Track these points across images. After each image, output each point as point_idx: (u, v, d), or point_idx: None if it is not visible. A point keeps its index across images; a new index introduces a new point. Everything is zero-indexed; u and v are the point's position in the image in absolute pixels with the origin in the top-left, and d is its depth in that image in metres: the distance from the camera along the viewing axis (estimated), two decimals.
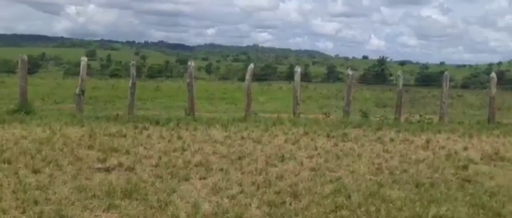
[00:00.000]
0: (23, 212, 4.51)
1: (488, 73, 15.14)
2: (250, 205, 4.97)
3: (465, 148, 8.68)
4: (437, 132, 10.55)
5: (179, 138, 8.57)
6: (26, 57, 11.84)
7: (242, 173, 6.27)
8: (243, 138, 8.89)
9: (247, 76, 12.50)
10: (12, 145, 7.22)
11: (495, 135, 10.50)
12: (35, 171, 5.85)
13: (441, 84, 13.31)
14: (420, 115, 12.65)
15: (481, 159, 7.85)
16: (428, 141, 9.25)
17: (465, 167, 7.07)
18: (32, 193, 5.00)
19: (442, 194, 5.55)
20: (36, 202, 4.74)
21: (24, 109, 10.77)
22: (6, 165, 6.04)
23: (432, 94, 29.82)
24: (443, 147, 8.72)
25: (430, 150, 8.50)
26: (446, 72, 14.35)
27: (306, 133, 9.72)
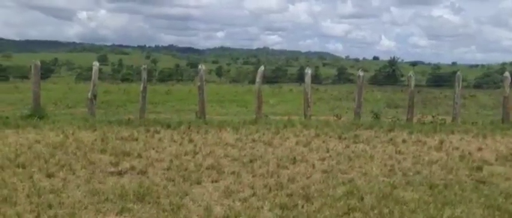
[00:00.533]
0: (37, 216, 4.56)
1: (502, 73, 14.92)
2: (262, 207, 4.96)
3: (479, 149, 8.57)
4: (451, 133, 10.43)
5: (190, 141, 8.60)
6: (38, 63, 11.99)
7: (254, 176, 6.26)
8: (254, 140, 8.89)
9: (258, 79, 12.50)
10: (26, 149, 7.31)
11: (510, 135, 10.34)
12: (49, 175, 5.91)
13: (453, 84, 13.16)
14: (433, 116, 12.52)
15: (496, 159, 7.73)
16: (441, 142, 9.15)
17: (479, 169, 6.97)
18: (46, 197, 5.06)
19: (456, 196, 5.48)
20: (50, 206, 4.79)
21: (37, 114, 10.90)
22: (20, 169, 6.12)
23: (444, 94, 29.53)
24: (456, 148, 8.62)
25: (444, 151, 8.41)
26: (458, 72, 14.18)
27: (317, 135, 9.68)
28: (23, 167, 6.23)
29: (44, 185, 5.48)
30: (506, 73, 13.54)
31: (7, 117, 10.30)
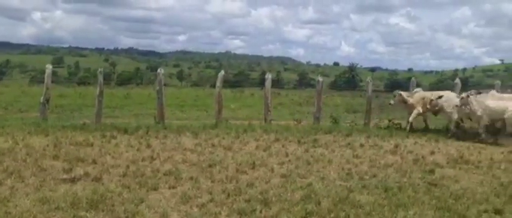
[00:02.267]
0: None
1: (454, 79, 15.60)
2: (220, 213, 4.91)
3: (432, 153, 8.89)
4: (405, 137, 10.77)
5: (148, 146, 8.42)
6: None
7: (212, 181, 6.20)
8: (213, 145, 8.82)
9: (218, 83, 12.44)
10: None
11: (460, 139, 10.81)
12: None
13: (409, 89, 13.59)
14: (389, 121, 12.88)
15: (447, 162, 8.04)
16: (396, 146, 9.43)
17: (432, 171, 7.22)
18: None
19: (409, 198, 5.64)
20: None
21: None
22: None
23: None
24: (411, 152, 8.90)
25: (398, 154, 8.66)
26: (413, 78, 14.69)
27: (277, 140, 9.74)
28: None
29: None
30: (457, 80, 14.18)
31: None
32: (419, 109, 12.03)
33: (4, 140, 8.31)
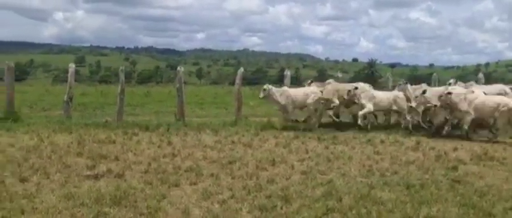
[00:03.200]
0: None
1: (476, 74, 15.29)
2: (241, 209, 4.93)
3: (455, 149, 8.73)
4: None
5: (169, 143, 8.51)
6: (12, 64, 11.70)
7: (233, 178, 6.23)
8: (233, 142, 8.86)
9: (237, 81, 12.47)
10: None
11: (484, 135, 10.58)
12: (22, 180, 5.76)
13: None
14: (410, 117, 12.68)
15: (471, 159, 7.89)
16: (418, 142, 9.30)
17: (455, 168, 7.10)
18: (19, 202, 4.93)
19: (432, 195, 5.56)
20: (22, 211, 4.67)
21: (11, 117, 10.62)
22: None
23: None
24: (433, 148, 8.76)
25: (420, 151, 8.54)
26: (435, 74, 14.46)
27: (296, 137, 9.72)
28: None
29: (16, 190, 5.34)
30: (480, 75, 13.89)
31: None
32: (336, 101, 11.31)
33: (30, 138, 8.51)
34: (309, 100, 11.06)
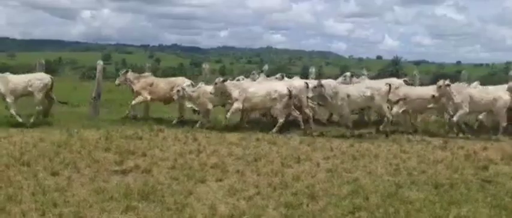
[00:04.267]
0: (43, 215, 4.57)
1: (507, 72, 14.86)
2: (267, 206, 4.95)
3: (484, 148, 8.51)
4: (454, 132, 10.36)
5: (194, 140, 8.58)
6: (43, 61, 12.04)
7: (258, 174, 6.25)
8: (258, 139, 8.87)
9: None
10: (31, 148, 7.32)
11: None
12: (54, 173, 5.93)
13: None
14: (437, 115, 12.44)
15: (501, 159, 7.67)
16: (446, 141, 9.11)
17: (485, 168, 6.93)
18: (51, 195, 5.08)
19: (462, 195, 5.46)
20: (55, 204, 4.80)
21: (42, 112, 10.90)
22: (25, 168, 6.13)
23: None
24: (462, 147, 8.57)
25: (449, 150, 8.36)
26: (464, 71, 14.13)
27: (321, 134, 9.66)
28: (28, 165, 6.24)
29: (48, 183, 5.50)
30: (511, 73, 13.47)
31: (11, 116, 10.31)
32: (147, 96, 10.67)
33: (60, 133, 8.73)
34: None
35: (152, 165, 6.52)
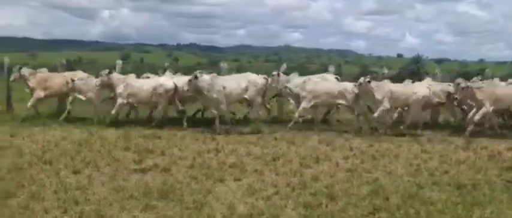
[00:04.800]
0: (65, 212, 4.64)
1: None
2: (285, 206, 4.93)
3: (509, 149, 8.29)
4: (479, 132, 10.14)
5: (213, 139, 8.61)
6: (64, 61, 12.25)
7: (277, 174, 6.23)
8: (276, 138, 8.84)
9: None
10: (53, 146, 7.46)
11: None
12: (75, 172, 6.03)
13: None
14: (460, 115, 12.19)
15: None
16: (469, 141, 8.91)
17: (510, 169, 6.75)
18: (73, 193, 5.15)
19: (485, 197, 5.33)
20: (76, 202, 4.88)
21: (62, 112, 11.09)
22: (48, 166, 6.25)
23: None
24: (485, 147, 8.37)
25: (471, 150, 8.17)
26: (488, 69, 13.81)
27: (339, 134, 9.58)
28: (50, 164, 6.36)
29: (70, 181, 5.59)
30: None
31: (33, 115, 10.53)
32: (41, 94, 10.30)
33: (80, 132, 8.87)
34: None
35: (171, 164, 6.57)
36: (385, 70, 13.23)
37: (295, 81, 10.52)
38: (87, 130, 9.04)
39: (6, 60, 11.69)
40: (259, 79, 10.17)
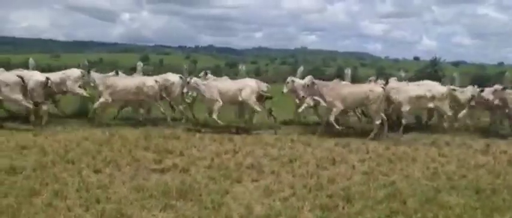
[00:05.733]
0: (87, 210, 4.76)
1: None
2: (302, 208, 4.97)
3: None
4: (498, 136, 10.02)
5: (230, 140, 8.70)
6: (86, 62, 12.51)
7: (293, 176, 6.28)
8: (292, 140, 8.89)
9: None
10: (75, 146, 7.63)
11: None
12: (96, 171, 6.17)
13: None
14: (478, 119, 12.04)
15: None
16: (488, 145, 8.81)
17: None
18: (94, 192, 5.28)
19: (505, 202, 5.28)
20: (98, 201, 5.00)
21: (83, 112, 11.33)
22: (70, 165, 6.41)
23: None
24: (505, 152, 8.27)
25: (491, 154, 8.09)
26: (507, 73, 13.58)
27: (356, 136, 9.56)
28: (73, 163, 6.51)
29: (92, 180, 5.72)
30: None
31: (56, 115, 10.78)
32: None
33: (101, 132, 9.05)
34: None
35: (189, 164, 6.67)
36: (402, 73, 13.14)
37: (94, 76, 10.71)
38: (108, 130, 9.22)
39: (32, 61, 12.00)
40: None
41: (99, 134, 8.78)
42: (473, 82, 12.90)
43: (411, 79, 13.37)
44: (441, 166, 7.11)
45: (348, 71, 13.02)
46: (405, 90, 10.38)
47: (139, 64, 12.67)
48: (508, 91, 10.06)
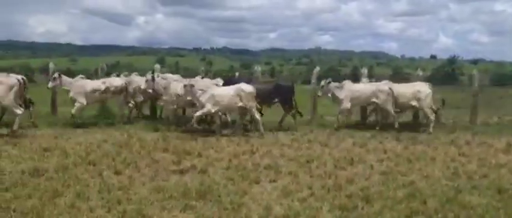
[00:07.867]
0: (108, 211, 4.84)
1: None
2: (321, 208, 4.97)
3: None
4: None
5: (247, 141, 8.73)
6: (104, 66, 12.73)
7: (311, 176, 6.28)
8: (309, 141, 8.88)
9: (313, 80, 12.47)
10: (96, 148, 7.76)
11: None
12: (117, 172, 6.26)
13: None
14: (499, 117, 11.87)
15: None
16: (509, 144, 8.67)
17: None
18: (115, 193, 5.36)
19: None
20: (119, 202, 5.07)
21: (103, 114, 11.51)
22: (91, 167, 6.52)
23: (510, 94, 27.76)
24: None
25: None
26: None
27: (373, 136, 9.51)
28: (93, 164, 6.63)
29: (112, 182, 5.81)
30: None
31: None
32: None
33: (120, 134, 9.18)
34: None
35: (208, 165, 6.72)
36: (420, 72, 13.00)
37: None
38: (126, 132, 9.34)
39: (51, 65, 12.24)
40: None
41: (118, 136, 8.90)
42: (492, 80, 12.67)
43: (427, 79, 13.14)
44: (461, 165, 7.02)
45: (365, 70, 12.95)
46: None
47: (157, 67, 12.80)
48: None
